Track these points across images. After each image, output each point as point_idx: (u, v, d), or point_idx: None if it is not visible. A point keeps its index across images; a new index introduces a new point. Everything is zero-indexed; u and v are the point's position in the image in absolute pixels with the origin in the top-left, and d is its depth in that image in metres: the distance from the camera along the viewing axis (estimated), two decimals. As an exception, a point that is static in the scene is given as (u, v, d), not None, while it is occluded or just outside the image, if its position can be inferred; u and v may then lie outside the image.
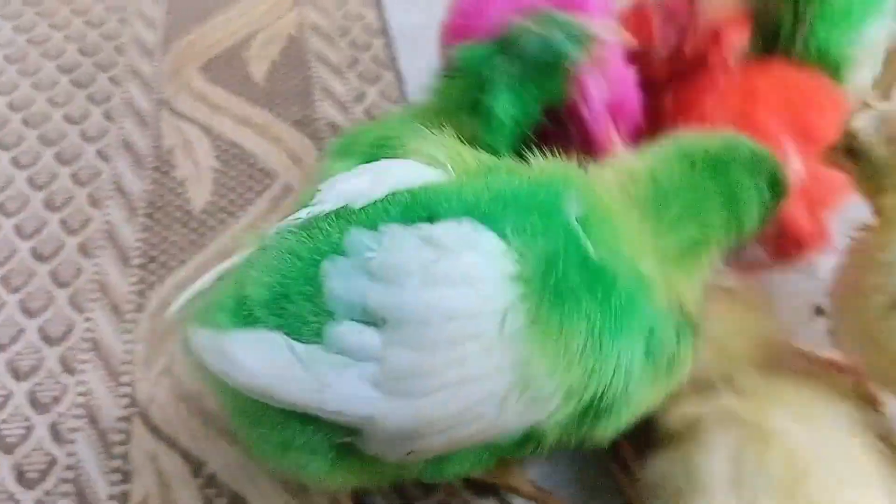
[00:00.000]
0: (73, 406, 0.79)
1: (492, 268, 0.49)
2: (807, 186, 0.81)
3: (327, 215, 0.55)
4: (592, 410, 0.53)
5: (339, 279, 0.50)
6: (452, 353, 0.49)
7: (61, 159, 1.07)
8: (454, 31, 0.86)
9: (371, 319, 0.50)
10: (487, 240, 0.50)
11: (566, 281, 0.50)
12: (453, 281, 0.49)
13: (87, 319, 0.87)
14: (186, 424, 0.77)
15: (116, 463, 0.75)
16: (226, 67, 1.21)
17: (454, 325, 0.49)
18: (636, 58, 0.81)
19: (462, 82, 0.71)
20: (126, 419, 0.78)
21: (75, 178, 1.04)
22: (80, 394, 0.80)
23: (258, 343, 0.51)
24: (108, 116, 1.14)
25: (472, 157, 0.58)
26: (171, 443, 0.76)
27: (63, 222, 0.98)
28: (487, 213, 0.51)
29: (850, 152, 0.63)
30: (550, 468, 0.72)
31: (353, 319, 0.50)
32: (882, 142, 0.60)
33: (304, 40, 1.26)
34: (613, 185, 0.58)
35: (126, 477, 0.73)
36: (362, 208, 0.54)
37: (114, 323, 0.87)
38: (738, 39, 0.81)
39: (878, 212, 0.64)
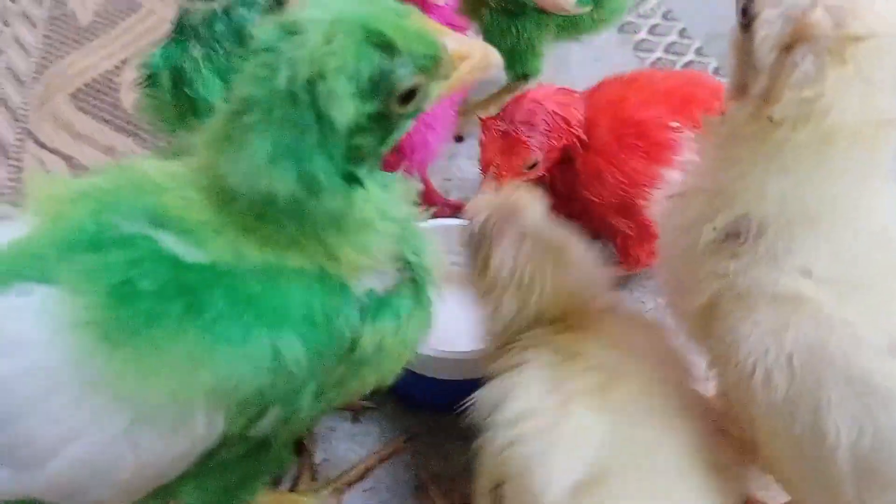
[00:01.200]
0: None
1: (44, 326, 0.47)
2: None
3: None
4: (272, 409, 0.52)
5: None
6: (35, 420, 0.47)
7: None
8: None
9: None
10: (37, 298, 0.48)
11: (148, 306, 0.47)
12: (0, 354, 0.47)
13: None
14: None
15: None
16: (96, 94, 1.19)
17: (18, 393, 0.47)
18: None
19: (165, 85, 0.67)
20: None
21: (-71, 215, 1.02)
22: None
23: None
24: (-29, 150, 1.12)
25: (63, 195, 0.53)
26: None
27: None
28: (44, 265, 0.49)
29: (745, 28, 0.53)
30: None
31: None
32: (773, 45, 0.50)
33: (178, 63, 1.24)
34: (197, 187, 0.52)
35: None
36: None
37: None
38: None
39: (723, 113, 0.57)
